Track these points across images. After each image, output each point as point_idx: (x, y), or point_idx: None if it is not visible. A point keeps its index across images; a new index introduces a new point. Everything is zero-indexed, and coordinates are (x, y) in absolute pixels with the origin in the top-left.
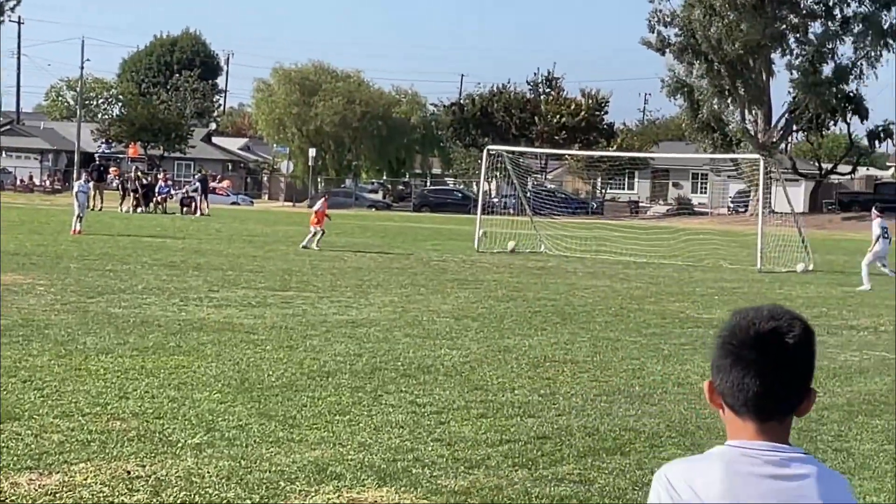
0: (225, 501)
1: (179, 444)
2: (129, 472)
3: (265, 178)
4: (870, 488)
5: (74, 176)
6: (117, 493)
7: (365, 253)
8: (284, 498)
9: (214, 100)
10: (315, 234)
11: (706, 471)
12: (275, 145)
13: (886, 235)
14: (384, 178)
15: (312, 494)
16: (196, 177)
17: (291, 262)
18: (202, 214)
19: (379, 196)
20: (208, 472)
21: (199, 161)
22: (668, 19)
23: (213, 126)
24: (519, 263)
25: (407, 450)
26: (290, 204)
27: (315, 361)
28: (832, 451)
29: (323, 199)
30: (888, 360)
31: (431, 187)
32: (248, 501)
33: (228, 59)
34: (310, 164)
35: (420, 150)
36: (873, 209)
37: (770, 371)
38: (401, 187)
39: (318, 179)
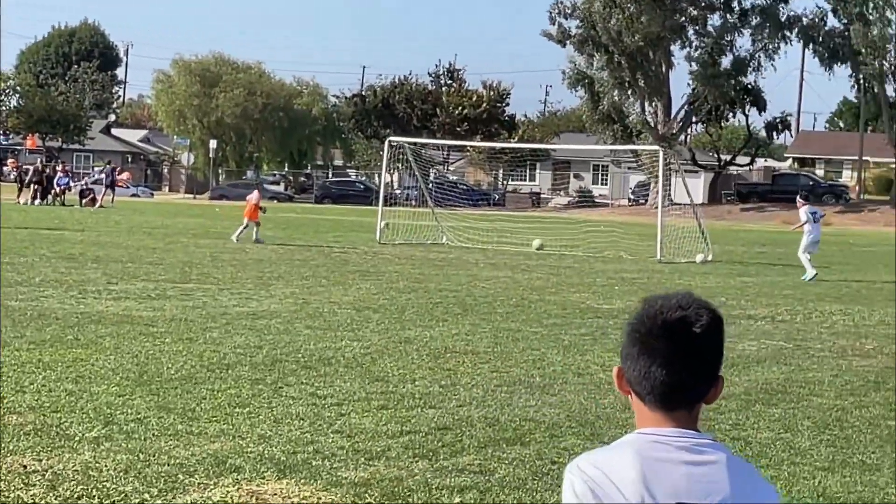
0: (123, 495)
1: (77, 438)
2: (25, 467)
3: (165, 170)
4: (766, 476)
5: None
6: (13, 488)
7: (266, 245)
8: (183, 491)
9: (114, 91)
10: (247, 226)
11: (620, 461)
12: (175, 137)
13: (817, 219)
14: (285, 169)
15: (211, 487)
16: (102, 169)
17: (192, 254)
18: (102, 206)
19: (280, 188)
20: (106, 466)
21: (98, 153)
22: (569, 11)
23: (112, 117)
24: (420, 255)
25: (307, 442)
26: (192, 196)
27: (215, 354)
28: (730, 439)
29: (256, 190)
30: (785, 349)
31: (333, 179)
32: (147, 495)
33: (128, 49)
34: (211, 155)
35: (322, 142)
36: (798, 197)
37: (677, 360)
38: (302, 179)
39: (220, 171)
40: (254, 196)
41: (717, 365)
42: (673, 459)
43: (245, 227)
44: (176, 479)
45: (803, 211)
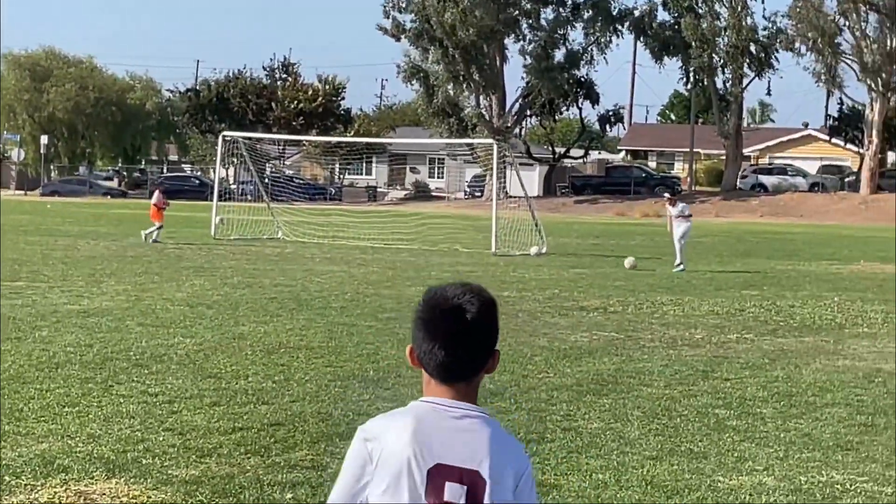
0: None
1: None
2: None
3: None
4: (596, 466)
5: None
6: None
7: (99, 241)
8: (10, 493)
9: None
10: (160, 227)
11: (399, 423)
12: (4, 132)
13: (687, 215)
14: (119, 165)
15: (38, 488)
16: None
17: (22, 251)
18: None
19: (114, 183)
20: None
21: None
22: (403, 5)
23: None
24: (256, 250)
25: (137, 440)
26: (22, 192)
27: (44, 353)
28: (561, 430)
29: (157, 190)
30: (616, 340)
31: (168, 174)
32: None
33: None
34: (42, 151)
35: (156, 137)
36: (665, 195)
37: (455, 342)
38: (136, 174)
39: (51, 167)
40: (154, 197)
41: (492, 342)
42: (444, 426)
43: (158, 229)
44: (2, 481)
45: (678, 209)
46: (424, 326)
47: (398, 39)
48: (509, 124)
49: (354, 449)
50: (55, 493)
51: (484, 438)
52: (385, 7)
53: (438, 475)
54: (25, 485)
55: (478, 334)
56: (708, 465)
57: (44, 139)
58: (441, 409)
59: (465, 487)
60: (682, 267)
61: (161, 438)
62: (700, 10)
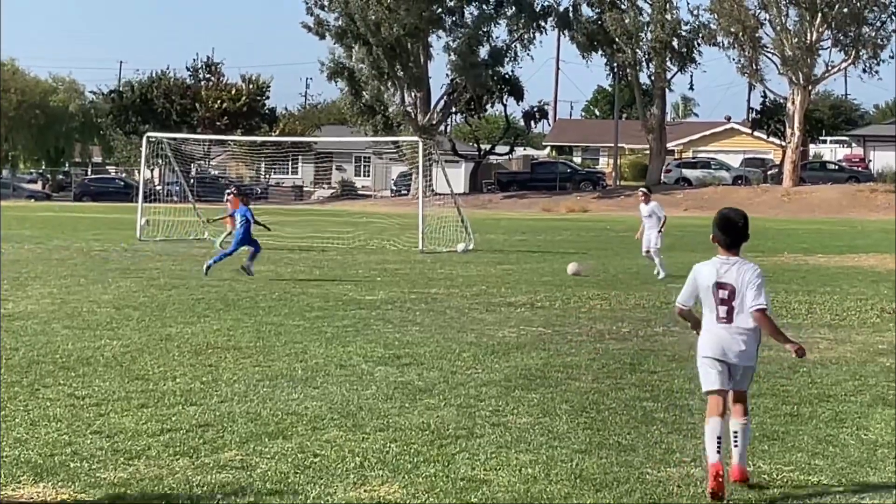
0: None
1: None
2: None
3: None
4: (525, 460)
5: None
6: None
7: (23, 244)
8: None
9: None
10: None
11: (708, 265)
12: None
13: (661, 216)
14: (43, 167)
15: None
16: None
17: None
18: None
19: (38, 186)
20: None
21: None
22: (327, 3)
23: None
24: (183, 251)
25: (65, 444)
26: None
27: None
28: (490, 425)
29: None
30: (544, 334)
31: (92, 176)
32: None
33: None
34: None
35: (80, 139)
36: (640, 191)
37: (735, 230)
38: (60, 177)
39: None
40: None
41: (748, 231)
42: (724, 265)
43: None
44: None
45: (648, 207)
46: (719, 223)
47: (322, 37)
48: (434, 121)
49: (690, 277)
50: None
51: (740, 269)
52: (308, 4)
53: (720, 288)
54: None
55: (743, 226)
56: (636, 457)
57: None
58: (724, 260)
59: (728, 291)
60: (663, 275)
61: (89, 441)
62: (623, 6)
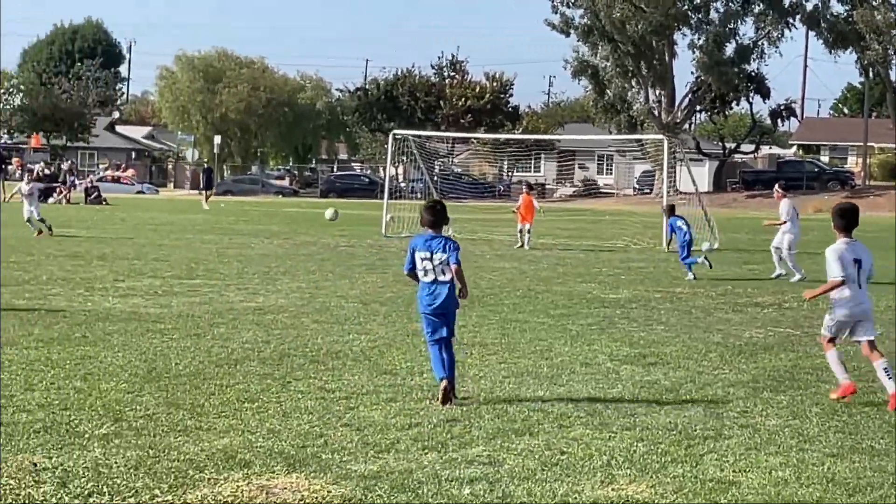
0: (133, 492)
1: (87, 435)
2: (35, 465)
3: (170, 167)
4: (775, 463)
5: None
6: (24, 486)
7: (272, 240)
8: (193, 487)
9: (117, 88)
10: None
11: (841, 243)
12: (179, 133)
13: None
14: (290, 164)
15: (221, 482)
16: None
17: (197, 250)
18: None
19: (285, 182)
20: (116, 463)
21: (102, 150)
22: (572, 0)
23: (116, 115)
24: None
25: (316, 435)
26: (197, 192)
27: (223, 349)
28: (738, 427)
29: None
30: (793, 336)
31: (338, 173)
32: (157, 491)
33: (130, 46)
34: (215, 151)
35: (326, 136)
36: (776, 187)
37: (851, 216)
38: (307, 173)
39: (224, 167)
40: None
41: (858, 217)
42: (847, 244)
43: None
44: (186, 475)
45: (785, 204)
46: (838, 214)
47: (567, 35)
48: (679, 120)
49: (832, 257)
50: (237, 486)
51: (863, 248)
52: (554, 3)
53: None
54: (208, 479)
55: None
56: (890, 462)
57: (217, 139)
58: (846, 241)
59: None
60: (800, 276)
61: (339, 434)
62: (874, 2)
